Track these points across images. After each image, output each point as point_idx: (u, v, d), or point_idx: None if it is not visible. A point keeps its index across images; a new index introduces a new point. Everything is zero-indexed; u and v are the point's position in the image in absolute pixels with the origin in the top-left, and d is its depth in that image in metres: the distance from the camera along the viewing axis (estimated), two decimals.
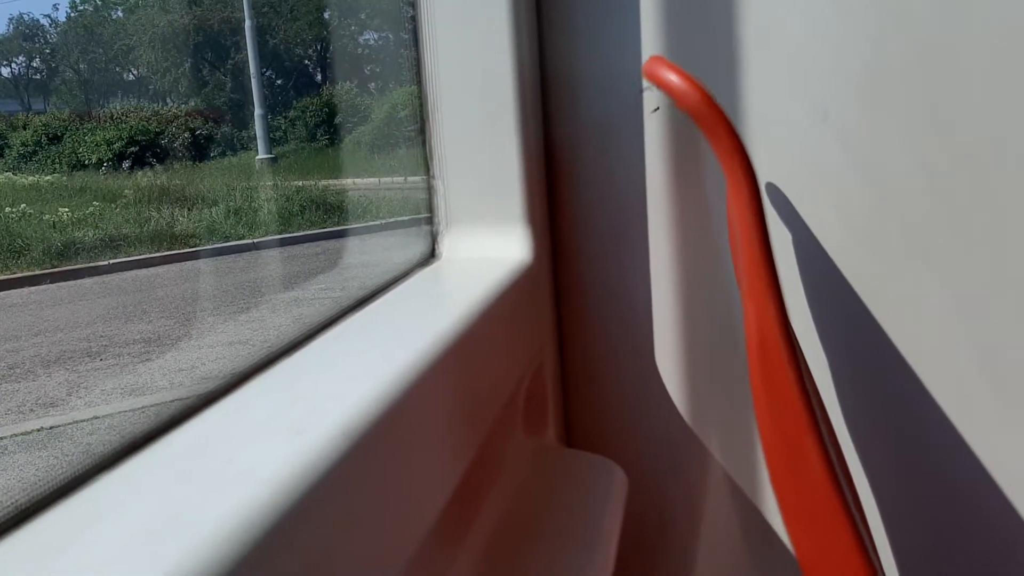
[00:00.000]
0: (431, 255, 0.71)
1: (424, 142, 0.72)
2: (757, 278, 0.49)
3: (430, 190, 0.72)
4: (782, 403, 0.47)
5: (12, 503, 0.28)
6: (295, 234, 7.43)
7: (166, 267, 6.48)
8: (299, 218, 7.77)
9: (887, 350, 0.68)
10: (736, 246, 0.54)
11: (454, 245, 0.71)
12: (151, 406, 3.41)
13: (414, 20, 0.70)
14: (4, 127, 13.27)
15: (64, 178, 10.33)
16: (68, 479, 0.30)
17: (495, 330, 0.58)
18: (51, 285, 5.93)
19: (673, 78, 0.48)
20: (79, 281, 6.03)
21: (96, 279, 6.10)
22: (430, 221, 0.72)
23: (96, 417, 3.33)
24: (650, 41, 0.71)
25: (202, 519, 0.27)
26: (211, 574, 0.25)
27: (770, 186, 0.69)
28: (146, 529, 0.27)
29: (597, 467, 0.70)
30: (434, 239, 0.72)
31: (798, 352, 0.52)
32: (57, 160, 11.95)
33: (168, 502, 0.29)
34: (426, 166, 0.72)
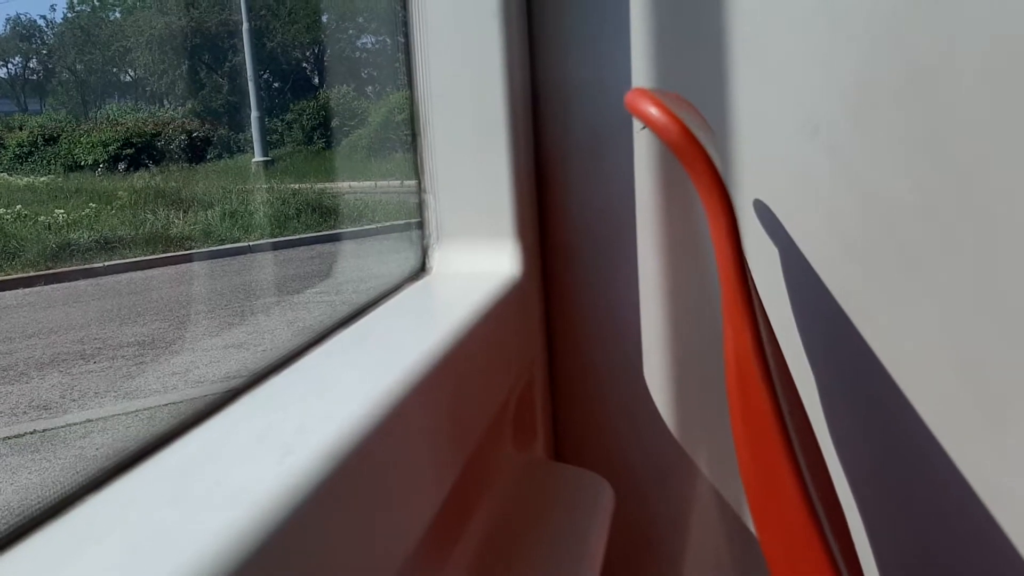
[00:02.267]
0: (421, 269, 0.72)
1: (416, 156, 0.73)
2: (735, 307, 0.49)
3: (421, 203, 0.72)
4: (758, 430, 0.48)
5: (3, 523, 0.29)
6: (290, 237, 7.42)
7: (161, 269, 6.46)
8: (295, 221, 7.75)
9: (872, 363, 0.69)
10: (719, 273, 0.55)
11: (445, 259, 0.72)
12: (144, 409, 3.40)
13: (406, 36, 0.71)
14: (0, 128, 13.23)
15: (60, 179, 10.30)
16: (59, 498, 0.30)
17: (485, 344, 0.58)
18: (46, 287, 5.91)
19: (653, 111, 0.49)
20: (74, 283, 6.01)
21: (91, 281, 6.08)
22: (421, 234, 0.73)
23: (89, 420, 3.32)
24: (640, 57, 0.71)
25: (191, 541, 0.27)
26: None
27: (758, 203, 0.70)
28: (137, 551, 0.27)
29: (584, 481, 0.70)
30: (425, 253, 0.72)
31: (778, 370, 0.52)
32: (53, 161, 11.92)
33: (158, 524, 0.29)
34: (417, 180, 0.72)
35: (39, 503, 0.29)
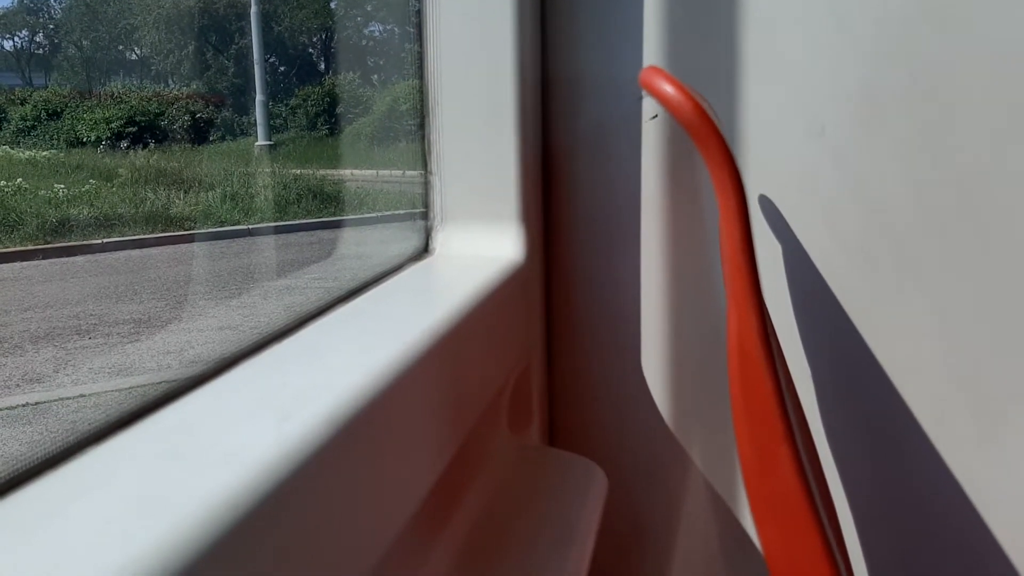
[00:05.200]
0: (424, 250, 0.72)
1: (423, 137, 0.73)
2: (741, 289, 0.49)
3: (427, 185, 0.72)
4: (759, 411, 0.48)
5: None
6: (290, 222, 7.42)
7: (159, 249, 6.45)
8: (295, 207, 7.75)
9: (870, 363, 0.69)
10: (725, 255, 0.55)
11: (448, 241, 0.72)
12: (138, 387, 3.40)
13: (419, 17, 0.71)
14: (3, 101, 13.20)
15: (61, 154, 10.28)
16: (56, 451, 0.30)
17: (484, 327, 0.59)
18: (43, 261, 5.90)
19: (667, 88, 0.49)
20: (71, 258, 6.01)
21: (88, 257, 6.07)
22: (425, 216, 0.73)
23: (82, 395, 3.32)
24: (652, 49, 0.71)
25: (186, 497, 0.27)
26: (192, 551, 0.25)
27: (763, 198, 0.70)
28: (130, 504, 0.27)
29: (578, 467, 0.71)
30: (428, 234, 0.72)
31: (778, 361, 0.52)
32: (55, 136, 11.91)
33: (153, 479, 0.29)
34: (424, 161, 0.72)
35: (38, 453, 0.29)
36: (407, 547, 0.47)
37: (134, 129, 11.74)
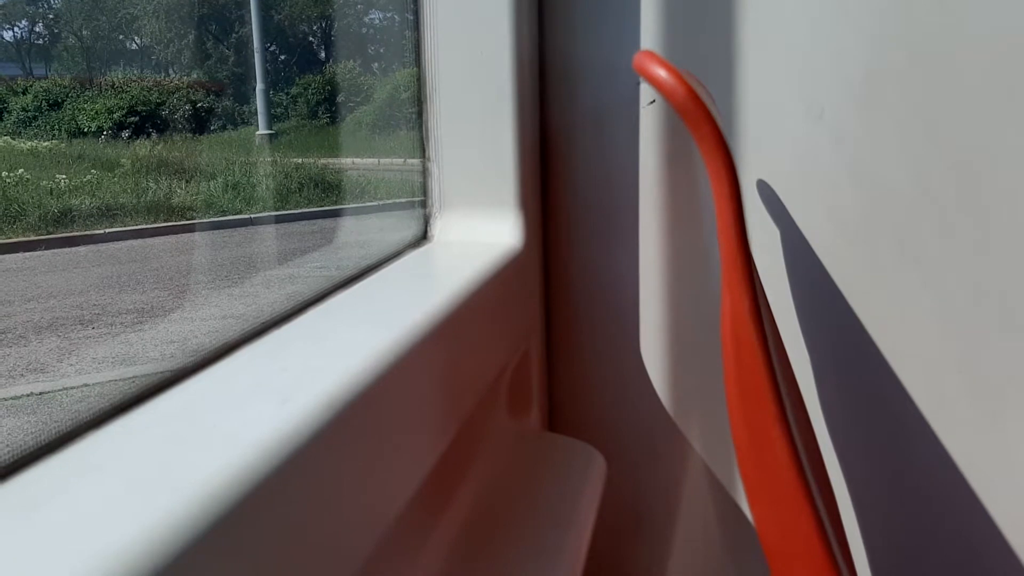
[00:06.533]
0: (423, 236, 0.72)
1: (421, 125, 0.73)
2: (734, 271, 0.50)
3: (425, 172, 0.73)
4: (752, 393, 0.49)
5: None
6: (292, 211, 7.41)
7: (162, 238, 6.45)
8: (297, 195, 7.75)
9: (869, 349, 0.69)
10: (720, 238, 0.55)
11: (446, 227, 0.72)
12: (141, 376, 3.41)
13: (416, 4, 0.71)
14: (4, 91, 13.15)
15: (63, 145, 10.26)
16: (57, 435, 0.31)
17: (483, 312, 0.59)
18: (46, 251, 5.90)
19: (660, 72, 0.49)
20: (74, 249, 6.01)
21: (91, 247, 6.07)
22: (424, 203, 0.73)
23: (86, 385, 3.33)
24: (649, 34, 0.71)
25: (188, 478, 0.28)
26: (192, 531, 0.26)
27: (761, 183, 0.70)
28: (131, 485, 0.28)
29: (577, 452, 0.71)
30: (427, 221, 0.73)
31: (773, 344, 0.53)
32: (57, 126, 11.87)
33: (154, 461, 0.30)
34: (422, 148, 0.73)
35: (39, 437, 0.30)
36: (405, 530, 0.48)
37: (135, 119, 11.70)
